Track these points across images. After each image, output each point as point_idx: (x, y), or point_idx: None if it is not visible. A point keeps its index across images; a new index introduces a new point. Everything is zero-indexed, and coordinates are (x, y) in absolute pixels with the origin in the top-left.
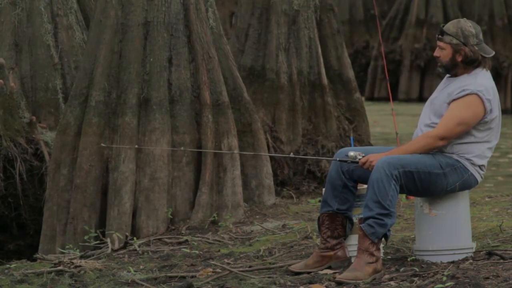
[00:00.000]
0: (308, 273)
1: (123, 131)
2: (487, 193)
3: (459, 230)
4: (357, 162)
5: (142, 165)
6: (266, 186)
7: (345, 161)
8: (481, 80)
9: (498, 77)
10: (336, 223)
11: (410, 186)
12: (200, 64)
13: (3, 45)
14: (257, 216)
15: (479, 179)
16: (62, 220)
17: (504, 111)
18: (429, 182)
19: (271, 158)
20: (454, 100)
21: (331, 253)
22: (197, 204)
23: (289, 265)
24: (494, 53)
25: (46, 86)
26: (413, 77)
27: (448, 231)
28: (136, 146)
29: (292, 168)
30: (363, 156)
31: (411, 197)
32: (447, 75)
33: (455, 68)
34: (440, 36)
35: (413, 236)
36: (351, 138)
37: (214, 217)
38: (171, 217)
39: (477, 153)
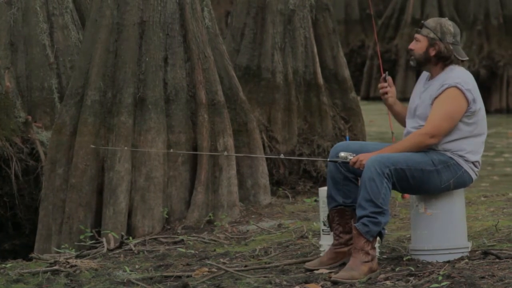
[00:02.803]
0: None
1: (119, 130)
2: (482, 192)
3: (454, 230)
4: (348, 163)
5: (137, 165)
6: (262, 186)
7: (336, 161)
8: (458, 74)
9: (493, 76)
10: (346, 218)
11: (403, 183)
12: (195, 63)
13: None
14: (253, 216)
15: (473, 176)
16: (57, 220)
17: (499, 111)
18: (422, 179)
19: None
20: (435, 98)
21: (345, 248)
22: (193, 203)
23: (303, 262)
24: (467, 58)
25: (41, 86)
26: (409, 77)
27: (444, 230)
28: (125, 147)
29: (288, 167)
30: (353, 156)
31: (407, 196)
32: (425, 78)
33: (427, 63)
34: (419, 29)
35: (409, 235)
36: (347, 137)
37: (209, 216)
38: (167, 216)
39: (469, 149)
